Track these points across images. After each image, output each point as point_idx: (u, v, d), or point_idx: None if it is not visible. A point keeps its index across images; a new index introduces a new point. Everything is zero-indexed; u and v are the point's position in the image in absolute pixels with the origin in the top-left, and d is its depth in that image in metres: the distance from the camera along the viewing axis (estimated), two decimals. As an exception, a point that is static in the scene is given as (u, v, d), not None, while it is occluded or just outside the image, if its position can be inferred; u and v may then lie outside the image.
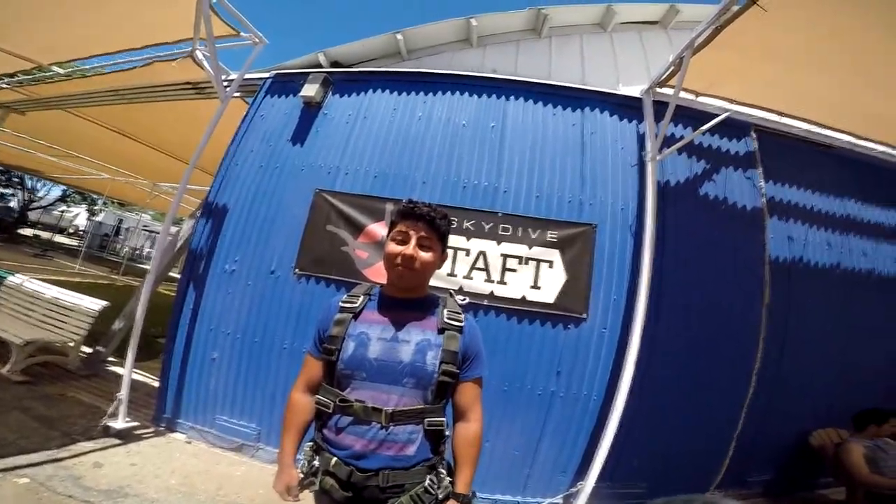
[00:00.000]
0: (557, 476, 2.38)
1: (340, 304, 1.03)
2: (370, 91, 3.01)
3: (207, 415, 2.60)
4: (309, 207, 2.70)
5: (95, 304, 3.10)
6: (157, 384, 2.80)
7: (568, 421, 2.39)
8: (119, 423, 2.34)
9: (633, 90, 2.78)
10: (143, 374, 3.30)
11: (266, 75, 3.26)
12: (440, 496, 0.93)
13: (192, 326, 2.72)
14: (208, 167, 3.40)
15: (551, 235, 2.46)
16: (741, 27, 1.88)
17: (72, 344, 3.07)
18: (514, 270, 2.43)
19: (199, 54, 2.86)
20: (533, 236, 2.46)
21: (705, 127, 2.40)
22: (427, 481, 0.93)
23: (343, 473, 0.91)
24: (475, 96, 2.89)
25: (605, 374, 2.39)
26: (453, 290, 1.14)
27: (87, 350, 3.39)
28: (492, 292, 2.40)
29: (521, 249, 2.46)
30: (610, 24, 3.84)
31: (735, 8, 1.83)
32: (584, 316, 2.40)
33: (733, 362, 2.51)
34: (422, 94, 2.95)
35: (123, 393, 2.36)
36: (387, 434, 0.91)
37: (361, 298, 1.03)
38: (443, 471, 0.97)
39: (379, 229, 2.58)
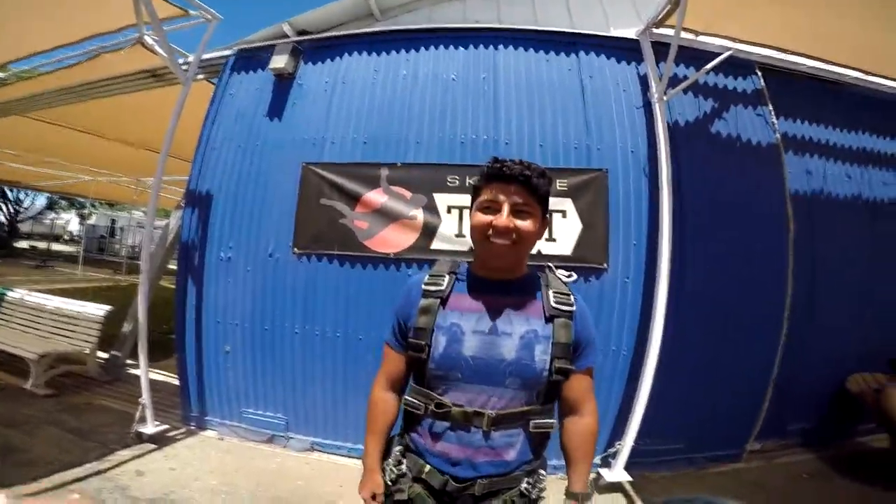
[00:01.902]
0: (593, 437, 2.30)
1: (423, 286, 0.86)
2: (346, 55, 2.81)
3: (234, 409, 2.56)
4: (298, 183, 2.53)
5: (100, 310, 3.09)
6: (178, 383, 2.75)
7: (599, 379, 2.24)
8: (149, 428, 2.33)
9: (626, 32, 2.62)
10: (164, 373, 3.28)
11: (228, 52, 3.04)
12: (534, 497, 0.84)
13: (198, 320, 2.64)
14: (187, 155, 3.20)
15: (561, 184, 2.31)
16: None
17: (87, 352, 3.08)
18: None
19: (147, 39, 2.65)
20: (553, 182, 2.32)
21: (709, 66, 2.29)
22: (524, 484, 0.82)
23: (437, 482, 0.81)
24: (461, 48, 2.70)
25: (634, 327, 2.29)
26: (552, 264, 0.96)
27: (104, 355, 3.37)
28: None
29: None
30: None
31: None
32: (605, 266, 2.28)
33: (764, 302, 2.44)
34: (403, 52, 2.75)
35: (145, 397, 2.33)
36: (486, 440, 0.80)
37: (447, 279, 0.86)
38: (542, 472, 0.87)
39: (376, 197, 2.42)
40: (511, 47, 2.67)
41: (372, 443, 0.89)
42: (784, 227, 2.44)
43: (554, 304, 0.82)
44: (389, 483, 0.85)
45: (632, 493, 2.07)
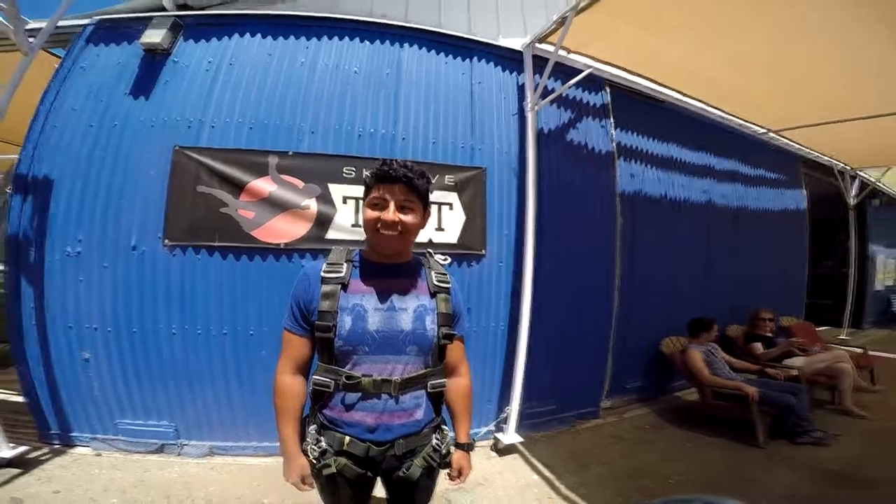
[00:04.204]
0: (485, 405, 2.64)
1: (323, 274, 0.93)
2: (237, 35, 2.60)
3: (106, 421, 2.28)
4: (169, 168, 2.28)
5: None
6: (19, 399, 2.36)
7: (483, 353, 2.66)
8: (5, 452, 2.06)
9: (512, 42, 2.98)
10: None
11: (83, 22, 2.58)
12: (444, 451, 0.99)
13: (40, 327, 2.25)
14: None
15: (449, 179, 2.57)
16: None
17: None
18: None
19: None
20: (433, 181, 2.54)
21: (573, 81, 2.74)
22: (434, 440, 0.97)
23: (360, 450, 0.89)
24: (367, 42, 2.74)
25: (507, 304, 2.69)
26: (430, 250, 1.10)
27: None
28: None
29: (423, 196, 2.52)
30: None
31: None
32: (483, 252, 2.63)
33: (601, 281, 3.06)
34: (303, 38, 2.66)
35: None
36: (397, 404, 0.91)
37: (345, 266, 0.94)
38: (444, 427, 1.03)
39: (263, 185, 2.34)
40: (416, 46, 2.79)
41: (288, 428, 0.93)
42: (614, 220, 3.10)
43: (436, 282, 0.98)
44: (314, 462, 0.90)
45: (525, 452, 2.41)
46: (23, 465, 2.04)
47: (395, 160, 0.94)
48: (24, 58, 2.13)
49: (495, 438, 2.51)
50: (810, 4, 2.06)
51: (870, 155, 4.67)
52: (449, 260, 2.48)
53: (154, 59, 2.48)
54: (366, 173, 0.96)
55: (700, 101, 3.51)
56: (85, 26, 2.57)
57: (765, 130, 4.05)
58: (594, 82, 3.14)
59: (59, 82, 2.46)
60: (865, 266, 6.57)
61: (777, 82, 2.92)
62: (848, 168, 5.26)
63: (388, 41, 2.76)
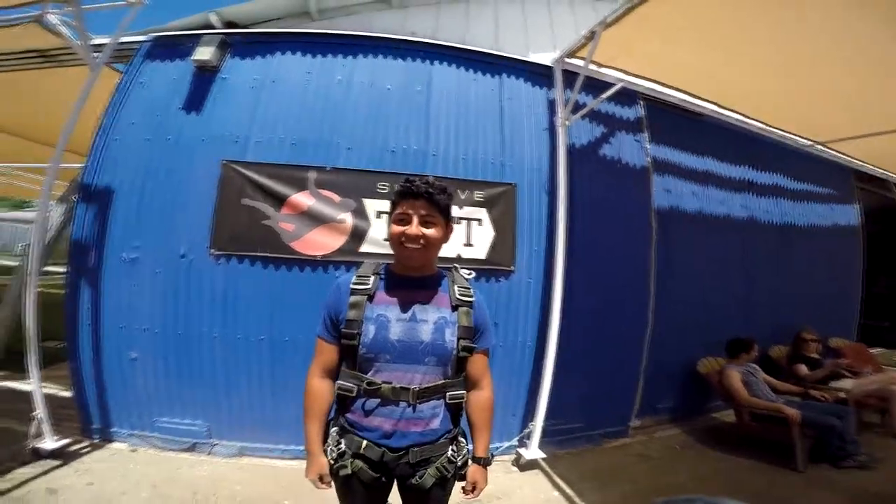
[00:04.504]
0: (509, 420, 2.62)
1: (352, 286, 0.99)
2: (278, 54, 2.75)
3: (145, 418, 2.41)
4: (217, 181, 2.43)
5: None
6: (66, 394, 2.51)
7: (510, 368, 2.64)
8: (48, 444, 2.16)
9: (541, 57, 2.98)
10: (47, 384, 2.83)
11: (142, 39, 2.81)
12: (459, 463, 1.00)
13: (95, 326, 2.41)
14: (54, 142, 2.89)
15: (478, 196, 2.59)
16: (647, 8, 2.09)
17: None
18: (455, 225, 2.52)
19: (51, 18, 2.41)
20: (462, 197, 2.57)
21: (605, 95, 2.70)
22: (449, 451, 0.99)
23: (375, 455, 0.93)
24: (400, 60, 2.82)
25: (536, 321, 2.66)
26: (456, 265, 1.13)
27: None
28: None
29: (453, 210, 2.55)
30: None
31: None
32: (513, 268, 2.62)
33: (633, 299, 2.97)
34: (340, 56, 2.78)
35: (40, 410, 2.16)
36: (414, 412, 0.94)
37: (372, 279, 1.00)
38: (462, 440, 1.04)
39: (303, 199, 2.45)
40: (445, 63, 2.84)
41: (313, 429, 0.99)
42: (649, 237, 3.01)
43: (458, 296, 1.01)
44: (332, 462, 0.95)
45: (547, 468, 2.38)
46: (63, 457, 2.17)
47: (419, 177, 0.99)
48: (90, 72, 2.32)
49: (517, 453, 2.48)
50: (850, 12, 1.93)
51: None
52: (474, 274, 2.44)
53: (204, 76, 2.65)
54: (391, 187, 1.05)
55: (739, 112, 3.36)
56: (143, 43, 2.78)
57: (811, 143, 3.81)
58: (628, 96, 3.08)
59: (121, 96, 2.67)
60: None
61: (822, 92, 2.75)
62: (906, 181, 4.84)
63: (419, 58, 2.83)
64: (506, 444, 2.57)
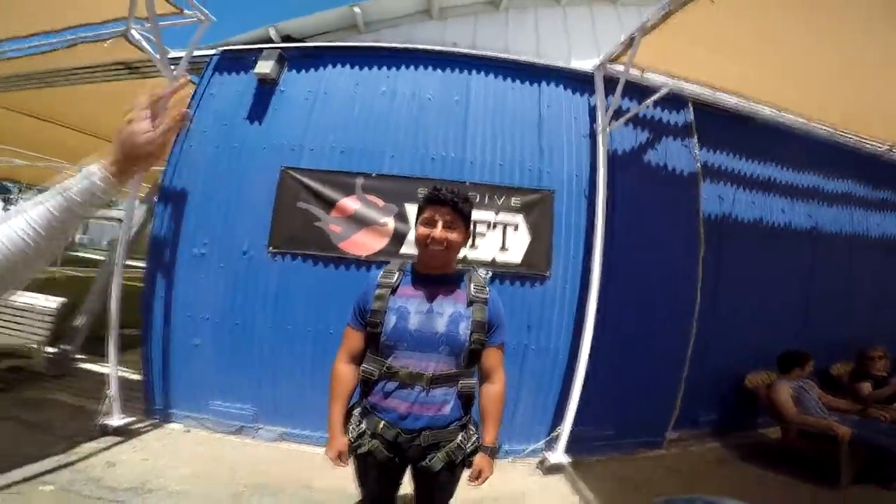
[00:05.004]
0: (536, 423, 2.63)
1: (379, 279, 1.11)
2: (329, 66, 2.96)
3: (200, 401, 2.62)
4: (276, 185, 2.67)
5: (51, 302, 3.00)
6: (135, 377, 2.78)
7: (540, 372, 2.64)
8: (115, 421, 2.37)
9: (583, 64, 2.95)
10: (120, 368, 3.22)
11: (211, 52, 3.12)
12: (468, 450, 1.08)
13: (167, 315, 2.69)
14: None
15: (515, 201, 2.63)
16: (688, 14, 2.06)
17: (34, 346, 2.98)
18: (483, 235, 2.59)
19: (134, 34, 2.74)
20: (499, 203, 2.63)
21: (650, 100, 2.62)
22: (459, 438, 1.06)
23: (390, 435, 1.01)
24: (439, 70, 2.93)
25: (570, 326, 2.64)
26: (475, 265, 1.25)
27: (51, 350, 3.26)
28: (465, 256, 2.55)
29: (489, 215, 2.61)
30: None
31: None
32: (548, 273, 2.62)
33: (677, 311, 2.86)
34: (384, 68, 2.95)
35: (113, 390, 2.38)
36: (427, 396, 1.02)
37: (397, 275, 1.11)
38: (472, 427, 1.11)
39: (350, 203, 2.62)
40: (483, 73, 2.91)
41: (336, 409, 1.10)
42: (696, 246, 2.87)
43: (473, 293, 1.11)
44: (351, 440, 1.06)
45: (572, 472, 2.37)
46: (126, 434, 2.38)
47: (445, 185, 1.11)
48: (168, 84, 2.63)
49: (543, 456, 2.47)
50: None
51: None
52: (490, 274, 2.55)
53: (265, 88, 2.91)
54: (420, 195, 1.13)
55: (800, 116, 3.10)
56: (212, 56, 3.08)
57: (889, 146, 3.42)
58: (675, 100, 2.97)
59: (194, 106, 2.97)
60: None
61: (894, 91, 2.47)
62: None
63: (457, 69, 2.92)
64: (532, 447, 2.57)
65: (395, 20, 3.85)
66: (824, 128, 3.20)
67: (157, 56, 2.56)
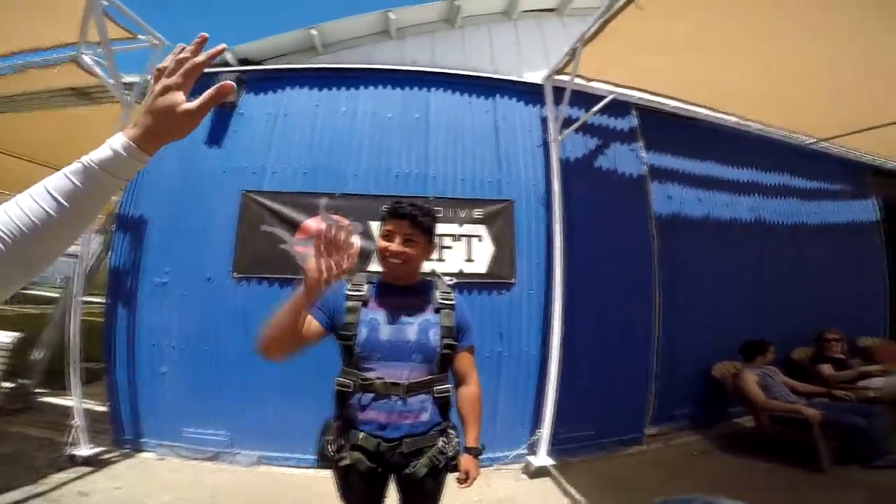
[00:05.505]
0: (517, 428, 2.67)
1: (348, 293, 1.10)
2: (288, 88, 3.00)
3: (172, 429, 2.57)
4: (238, 209, 2.66)
5: (6, 337, 2.92)
6: (101, 409, 2.72)
7: (516, 377, 2.71)
8: (83, 451, 2.34)
9: (536, 76, 3.11)
10: (85, 400, 3.11)
11: None
12: (451, 454, 1.08)
13: (130, 345, 2.64)
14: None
15: (477, 213, 2.73)
16: (622, 22, 2.20)
17: None
18: (449, 247, 2.67)
19: (86, 59, 2.68)
20: (462, 215, 2.72)
21: (596, 108, 2.79)
22: (440, 443, 1.07)
23: (371, 445, 1.01)
24: (399, 89, 3.02)
25: (538, 331, 2.73)
26: (438, 273, 1.26)
27: (8, 384, 3.13)
28: (433, 270, 2.60)
29: (453, 228, 2.70)
30: (514, 12, 4.19)
31: (616, 6, 2.13)
32: (513, 280, 2.72)
33: (640, 308, 2.99)
34: (344, 89, 3.01)
35: (79, 420, 2.36)
36: (404, 405, 1.02)
37: (366, 287, 1.12)
38: (451, 431, 1.12)
39: (313, 224, 2.64)
40: (441, 89, 3.02)
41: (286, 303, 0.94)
42: (649, 243, 3.04)
43: (440, 300, 1.13)
44: (332, 455, 1.03)
45: (557, 474, 2.40)
46: (96, 464, 2.33)
47: (406, 200, 1.12)
48: (122, 109, 2.58)
49: (527, 461, 2.52)
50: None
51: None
52: (455, 281, 2.62)
53: (224, 111, 2.91)
54: (381, 209, 1.14)
55: (735, 115, 3.36)
56: None
57: (814, 140, 3.76)
58: (620, 107, 3.16)
59: None
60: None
61: (819, 87, 2.72)
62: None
63: (416, 86, 3.02)
64: (515, 452, 2.61)
65: (353, 41, 3.94)
66: (757, 125, 3.48)
67: (111, 81, 2.54)
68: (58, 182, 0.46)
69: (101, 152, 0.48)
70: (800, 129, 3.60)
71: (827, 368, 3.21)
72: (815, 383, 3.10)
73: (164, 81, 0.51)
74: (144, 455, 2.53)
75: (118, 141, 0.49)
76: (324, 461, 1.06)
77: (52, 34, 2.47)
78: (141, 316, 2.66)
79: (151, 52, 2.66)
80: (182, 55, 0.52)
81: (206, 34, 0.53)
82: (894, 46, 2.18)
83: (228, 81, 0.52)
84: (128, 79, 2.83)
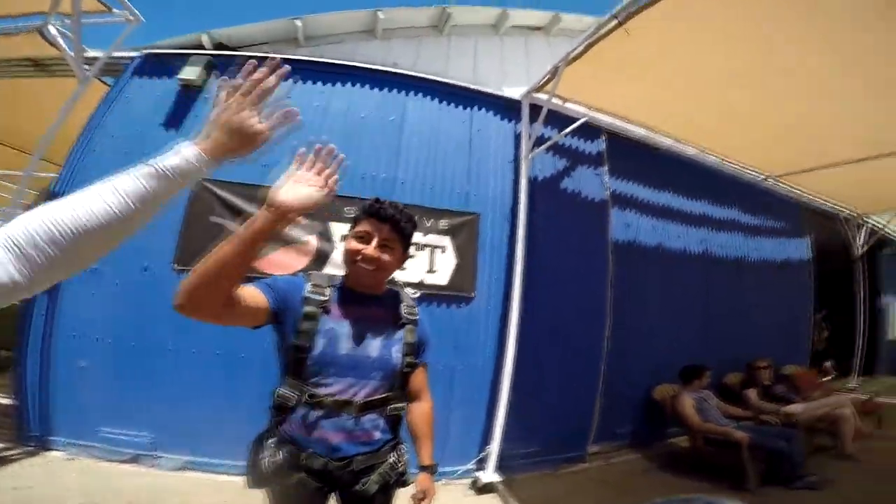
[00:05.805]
0: (467, 444, 2.65)
1: (307, 294, 0.96)
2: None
3: (87, 428, 2.36)
4: (187, 197, 2.48)
5: None
6: (6, 401, 2.48)
7: (469, 392, 2.70)
8: None
9: (515, 92, 3.16)
10: None
11: (133, 54, 2.88)
12: (401, 469, 1.02)
13: (47, 335, 2.42)
14: (31, 149, 2.92)
15: (443, 224, 2.71)
16: (607, 44, 2.26)
17: None
18: (412, 257, 2.61)
19: (51, 29, 2.52)
20: (427, 224, 2.69)
21: (568, 129, 2.88)
22: (391, 458, 1.01)
23: (318, 465, 0.92)
24: (377, 89, 2.96)
25: (494, 346, 2.74)
26: (402, 283, 1.17)
27: None
28: (395, 279, 2.55)
29: (417, 237, 2.66)
30: (503, 27, 4.29)
31: (605, 28, 2.19)
32: (473, 295, 2.72)
33: (591, 329, 3.08)
34: (319, 83, 2.92)
35: None
36: (356, 424, 0.94)
37: (328, 291, 0.99)
38: (402, 446, 1.06)
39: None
40: (421, 95, 2.99)
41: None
42: (605, 268, 3.16)
43: (405, 314, 1.04)
44: (267, 473, 0.90)
45: (504, 491, 2.41)
46: None
47: (388, 201, 1.00)
48: (78, 84, 2.39)
49: (475, 477, 2.51)
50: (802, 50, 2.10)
51: (874, 200, 4.61)
52: (419, 294, 2.59)
53: (188, 94, 2.74)
54: (356, 207, 1.04)
55: (697, 146, 3.58)
56: (134, 58, 2.85)
57: (764, 177, 4.08)
58: (591, 130, 3.27)
59: (105, 109, 2.72)
60: (878, 315, 6.38)
61: (773, 127, 2.93)
62: (854, 215, 5.20)
63: (395, 89, 2.98)
64: (463, 468, 2.59)
65: (338, 36, 3.86)
66: (714, 157, 3.71)
67: (72, 54, 2.36)
68: (128, 184, 0.49)
69: (173, 159, 0.52)
70: (751, 165, 3.90)
71: (753, 394, 3.47)
72: (742, 407, 3.33)
73: (241, 100, 0.56)
74: (52, 454, 2.32)
75: (191, 151, 0.53)
76: (258, 482, 0.93)
77: (21, 1, 2.26)
78: (64, 304, 2.43)
79: (122, 28, 2.49)
80: (257, 76, 0.57)
81: (279, 59, 0.59)
82: (840, 90, 2.38)
83: (293, 108, 0.57)
84: (91, 53, 2.65)
